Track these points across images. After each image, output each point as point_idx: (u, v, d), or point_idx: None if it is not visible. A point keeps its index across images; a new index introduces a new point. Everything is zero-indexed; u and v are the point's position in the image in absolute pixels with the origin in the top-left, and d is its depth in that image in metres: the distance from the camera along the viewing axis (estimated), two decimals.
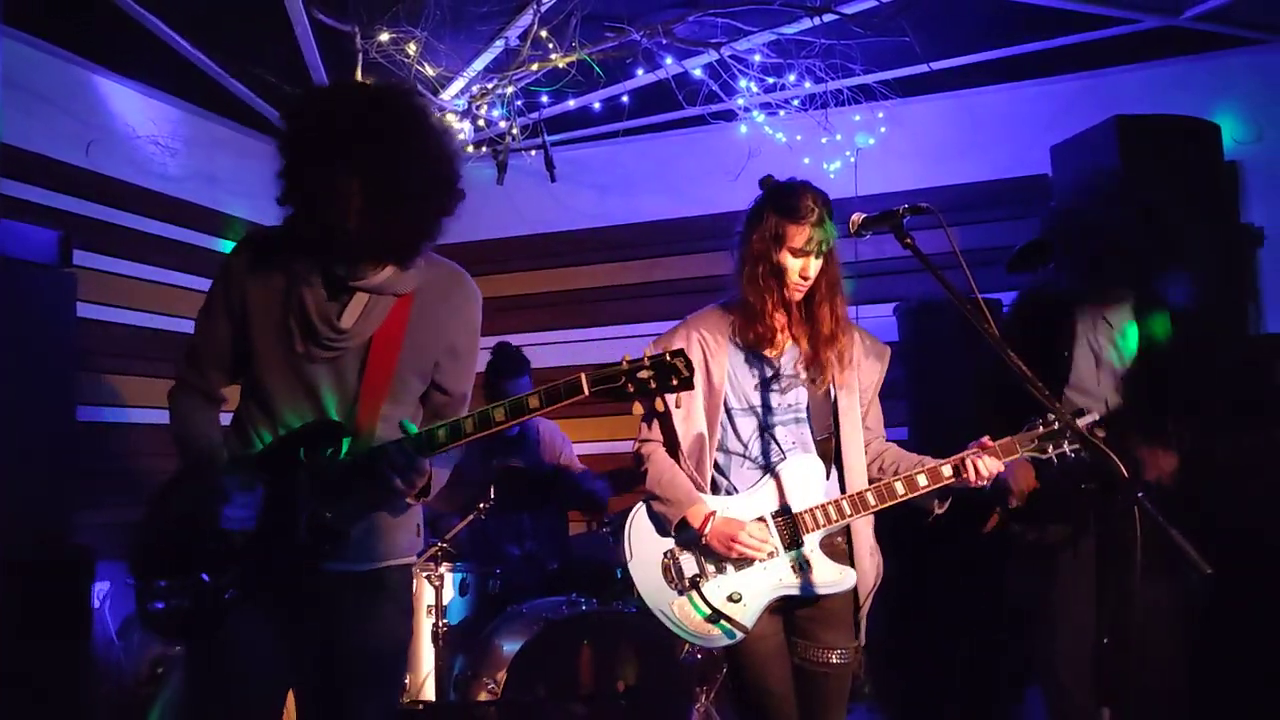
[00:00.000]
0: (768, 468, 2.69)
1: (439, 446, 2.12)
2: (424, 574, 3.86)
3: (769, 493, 2.66)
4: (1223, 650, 3.07)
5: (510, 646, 3.74)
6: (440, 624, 3.82)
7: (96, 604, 3.89)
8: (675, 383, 2.07)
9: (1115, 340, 3.19)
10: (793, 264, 2.61)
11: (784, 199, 2.63)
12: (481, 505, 4.07)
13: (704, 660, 4.05)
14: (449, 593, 3.97)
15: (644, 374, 2.07)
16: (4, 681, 3.13)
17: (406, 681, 3.78)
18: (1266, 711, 3.12)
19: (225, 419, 2.35)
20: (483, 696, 3.70)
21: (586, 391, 2.08)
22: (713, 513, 2.61)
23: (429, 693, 3.80)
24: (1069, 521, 3.02)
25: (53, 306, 3.47)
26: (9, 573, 3.15)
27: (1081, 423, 2.46)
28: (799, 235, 2.59)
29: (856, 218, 2.49)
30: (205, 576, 2.14)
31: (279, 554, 2.12)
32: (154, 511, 2.25)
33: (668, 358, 2.08)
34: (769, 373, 2.71)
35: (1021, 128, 5.00)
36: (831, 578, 2.62)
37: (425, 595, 3.86)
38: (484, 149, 4.91)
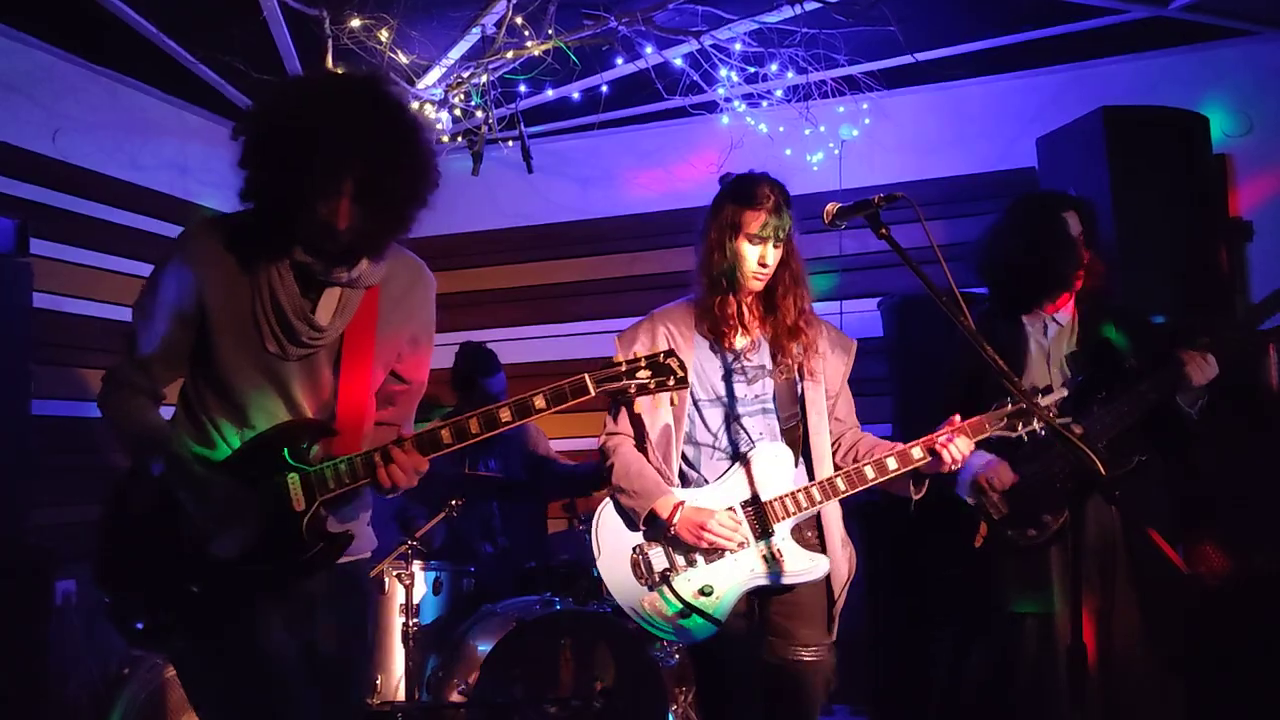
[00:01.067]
0: (736, 457, 2.68)
1: (443, 447, 2.09)
2: (394, 572, 3.78)
3: (738, 482, 2.66)
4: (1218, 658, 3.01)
5: (484, 646, 3.67)
6: (411, 623, 3.74)
7: (60, 603, 3.81)
8: (672, 382, 2.12)
9: (1060, 336, 3.16)
10: (750, 251, 2.63)
11: (740, 188, 2.66)
12: (453, 503, 3.99)
13: (682, 661, 3.98)
14: (421, 591, 3.89)
15: (643, 374, 2.11)
16: None
17: (379, 681, 3.70)
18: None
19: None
20: (454, 697, 3.62)
21: (593, 392, 2.09)
22: (681, 502, 2.60)
23: (399, 693, 3.72)
24: (1055, 514, 2.97)
25: (7, 296, 3.37)
26: None
27: (1046, 400, 2.44)
28: (754, 221, 2.61)
29: (831, 207, 2.46)
30: (195, 588, 2.05)
31: (282, 561, 2.05)
32: (114, 518, 2.15)
33: (662, 358, 2.13)
34: (734, 364, 2.72)
35: (1007, 120, 4.94)
36: (803, 566, 2.61)
37: (396, 594, 3.79)
38: (460, 139, 4.81)
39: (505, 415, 2.09)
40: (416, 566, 3.85)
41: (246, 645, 2.07)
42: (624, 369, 2.10)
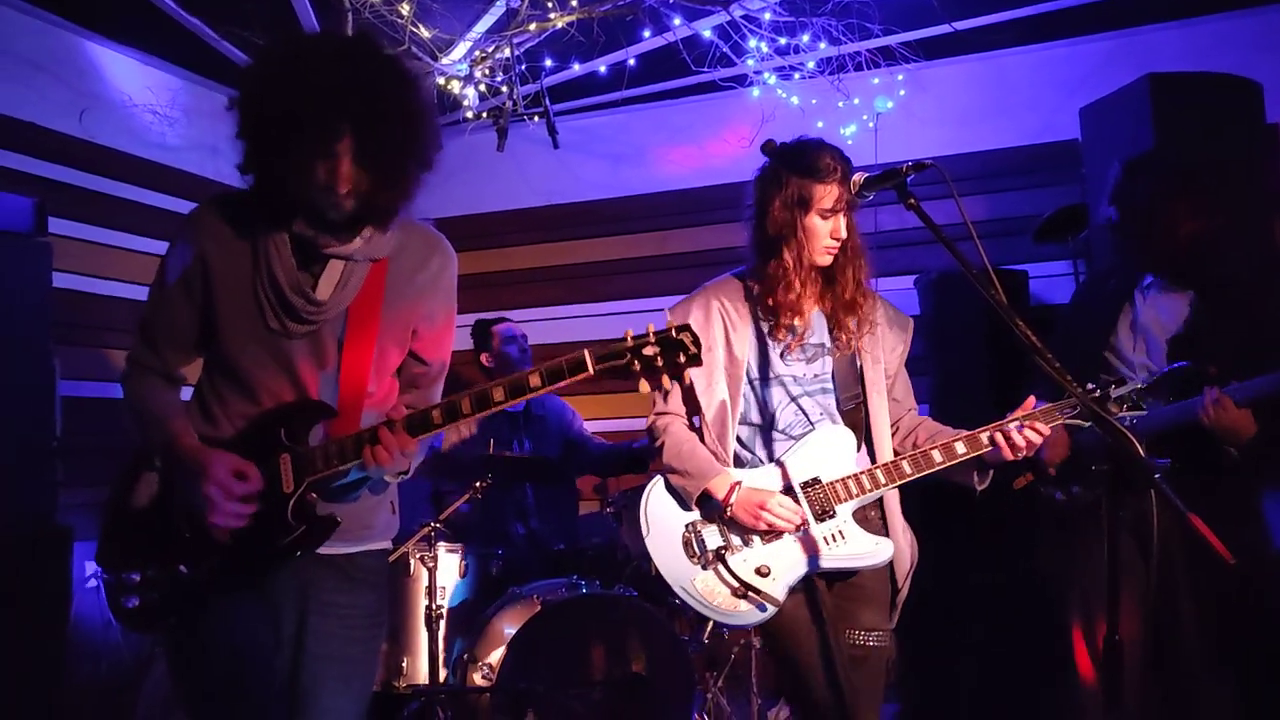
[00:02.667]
0: (796, 438, 2.58)
1: (433, 427, 2.01)
2: (418, 555, 3.75)
3: (797, 463, 2.56)
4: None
5: (509, 629, 3.64)
6: (435, 606, 3.70)
7: (92, 584, 3.83)
8: (683, 360, 1.95)
9: (1160, 308, 2.99)
10: (822, 226, 2.52)
11: (802, 159, 2.53)
12: (478, 484, 3.95)
13: (710, 645, 3.92)
14: (449, 574, 3.86)
15: (649, 350, 1.95)
16: None
17: (405, 664, 3.68)
18: None
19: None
20: (478, 680, 3.59)
21: (591, 370, 1.96)
22: (738, 482, 2.51)
23: (421, 676, 3.69)
24: (1095, 486, 2.88)
25: (27, 276, 3.36)
26: None
27: (1122, 391, 2.31)
28: (827, 195, 2.50)
29: (858, 178, 2.37)
30: (183, 569, 2.03)
31: (264, 542, 2.01)
32: (120, 498, 2.13)
33: (674, 333, 1.95)
34: (793, 342, 2.60)
35: (1050, 91, 4.78)
36: (866, 548, 2.52)
37: (421, 577, 3.75)
38: (485, 116, 4.76)
39: (499, 394, 1.99)
40: (442, 549, 3.81)
41: (219, 631, 2.04)
42: (629, 345, 1.96)
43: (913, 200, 2.26)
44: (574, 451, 4.67)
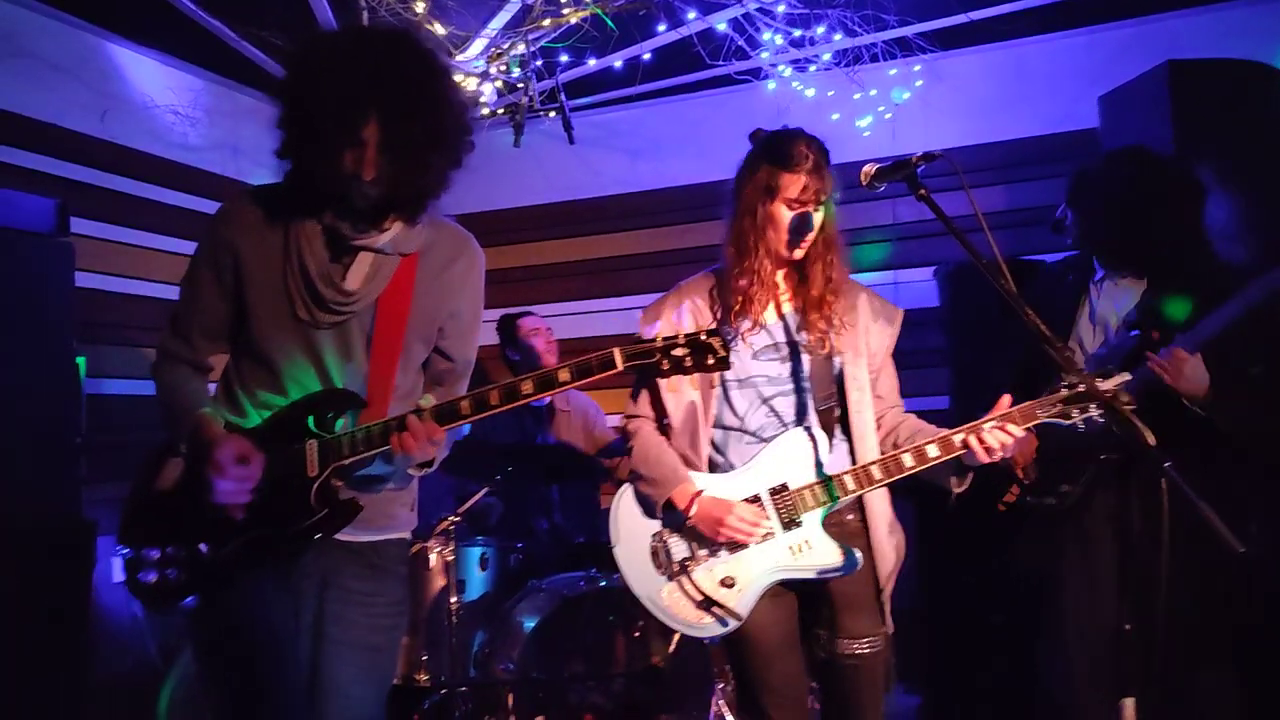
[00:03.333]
0: (768, 441, 2.50)
1: (461, 418, 2.03)
2: (438, 549, 3.78)
3: (765, 469, 2.47)
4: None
5: (529, 623, 3.66)
6: (454, 600, 3.73)
7: (119, 578, 3.88)
8: (712, 361, 1.99)
9: (1114, 298, 3.00)
10: (787, 216, 2.43)
11: (775, 147, 2.46)
12: (498, 478, 3.97)
13: (724, 650, 3.92)
14: (469, 568, 3.89)
15: (679, 351, 1.98)
16: (5, 661, 3.10)
17: (425, 657, 3.71)
18: None
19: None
20: (499, 673, 3.61)
21: (620, 366, 1.99)
22: (699, 492, 2.44)
23: (442, 669, 3.72)
24: (1075, 484, 2.88)
25: (50, 275, 3.41)
26: (11, 548, 3.11)
27: (1110, 383, 2.26)
28: (793, 184, 2.41)
29: (869, 169, 2.35)
30: (203, 548, 2.07)
31: (286, 526, 2.05)
32: (146, 481, 2.19)
33: (704, 336, 1.98)
34: (765, 341, 2.52)
35: (1068, 79, 4.73)
36: (831, 560, 2.41)
37: (441, 570, 3.78)
38: (501, 113, 4.78)
39: (527, 388, 2.02)
40: (463, 542, 3.84)
41: (243, 613, 2.08)
42: (659, 344, 1.98)
43: (923, 191, 2.26)
44: (596, 448, 4.68)
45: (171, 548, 2.10)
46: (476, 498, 4.04)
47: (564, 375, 2.01)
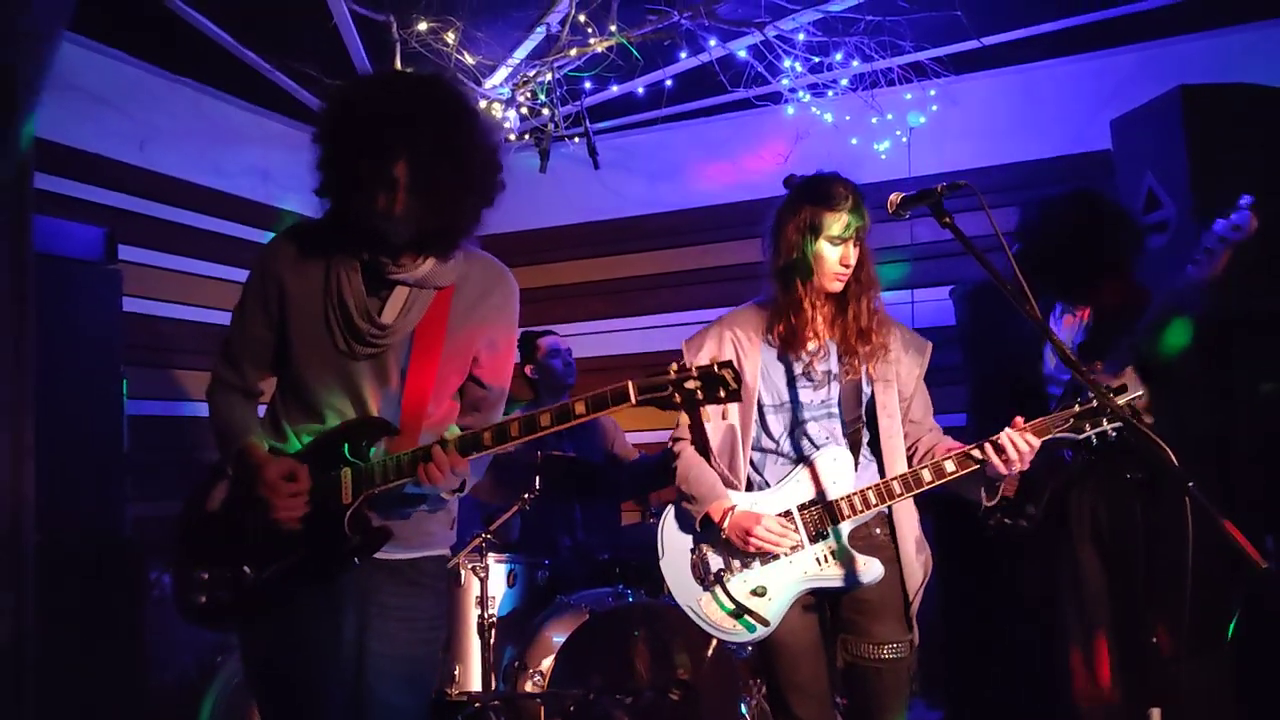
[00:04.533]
0: (800, 462, 2.67)
1: (484, 449, 2.12)
2: (469, 565, 3.86)
3: (797, 486, 2.65)
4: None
5: (558, 638, 3.72)
6: (486, 615, 3.81)
7: (155, 594, 3.97)
8: (723, 394, 2.04)
9: (1070, 329, 3.17)
10: (831, 252, 2.58)
11: (815, 188, 2.62)
12: (526, 496, 4.04)
13: (756, 653, 3.98)
14: (497, 584, 3.96)
15: (691, 384, 2.03)
16: (55, 676, 3.18)
17: (457, 672, 3.78)
18: None
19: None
20: (529, 688, 3.68)
21: (634, 400, 2.05)
22: (732, 507, 2.61)
23: (474, 684, 3.79)
24: (1037, 503, 3.01)
25: (99, 302, 3.51)
26: (60, 567, 3.19)
27: (1124, 399, 2.35)
28: (835, 222, 2.56)
29: (895, 197, 2.42)
30: (247, 569, 2.17)
31: (322, 550, 2.14)
32: (196, 504, 2.28)
33: (715, 369, 2.04)
34: (801, 369, 2.68)
35: (1080, 102, 4.82)
36: (857, 571, 2.58)
37: (472, 587, 3.86)
38: (527, 138, 4.88)
39: (545, 420, 2.09)
40: (492, 559, 3.91)
41: (282, 632, 2.18)
42: (672, 378, 2.04)
43: (948, 219, 2.33)
44: (616, 465, 4.75)
45: (218, 569, 2.20)
46: (506, 516, 4.12)
47: (579, 408, 2.07)
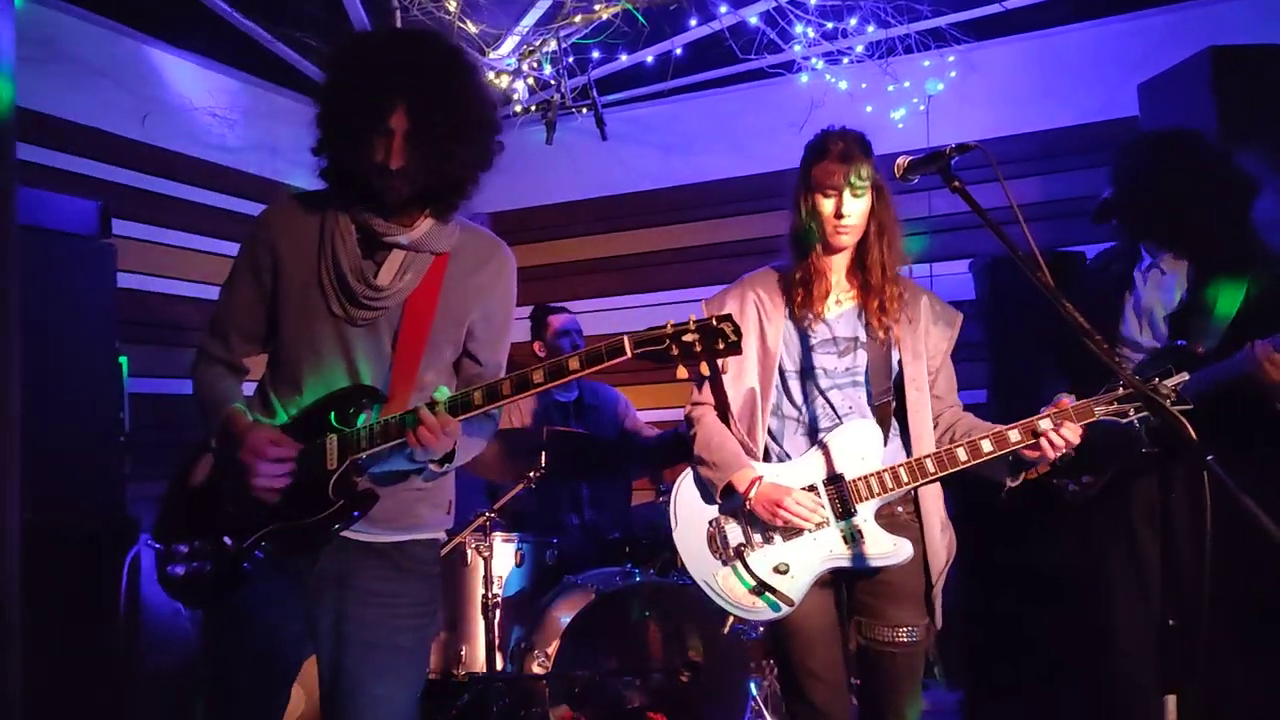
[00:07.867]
0: (821, 432, 2.56)
1: (473, 408, 2.04)
2: (474, 544, 3.80)
3: (821, 459, 2.53)
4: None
5: (565, 618, 3.67)
6: (491, 595, 3.75)
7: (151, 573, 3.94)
8: (722, 347, 1.99)
9: (1161, 288, 2.97)
10: (824, 204, 2.50)
11: (811, 143, 2.56)
12: (531, 474, 3.98)
13: (768, 634, 3.92)
14: (504, 563, 3.91)
15: (689, 337, 1.99)
16: (46, 654, 3.15)
17: (463, 652, 3.74)
18: None
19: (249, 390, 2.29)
20: (535, 668, 3.63)
21: (629, 353, 2.00)
22: (759, 477, 2.49)
23: (479, 664, 3.75)
24: (1099, 478, 2.86)
25: (93, 276, 3.45)
26: (58, 545, 3.16)
27: (1171, 381, 2.25)
28: (824, 172, 2.48)
29: (902, 161, 2.34)
30: (227, 540, 2.11)
31: (304, 518, 2.08)
32: (180, 478, 2.24)
33: (714, 322, 2.00)
34: (826, 334, 2.58)
35: (1107, 67, 4.67)
36: (884, 549, 2.47)
37: (477, 566, 3.81)
38: (534, 110, 4.80)
39: (538, 377, 2.03)
40: (498, 538, 3.86)
41: (243, 612, 2.13)
42: (669, 332, 1.99)
43: (958, 183, 2.22)
44: (627, 442, 4.69)
45: (199, 541, 2.15)
46: (512, 494, 4.06)
47: (574, 364, 2.02)
